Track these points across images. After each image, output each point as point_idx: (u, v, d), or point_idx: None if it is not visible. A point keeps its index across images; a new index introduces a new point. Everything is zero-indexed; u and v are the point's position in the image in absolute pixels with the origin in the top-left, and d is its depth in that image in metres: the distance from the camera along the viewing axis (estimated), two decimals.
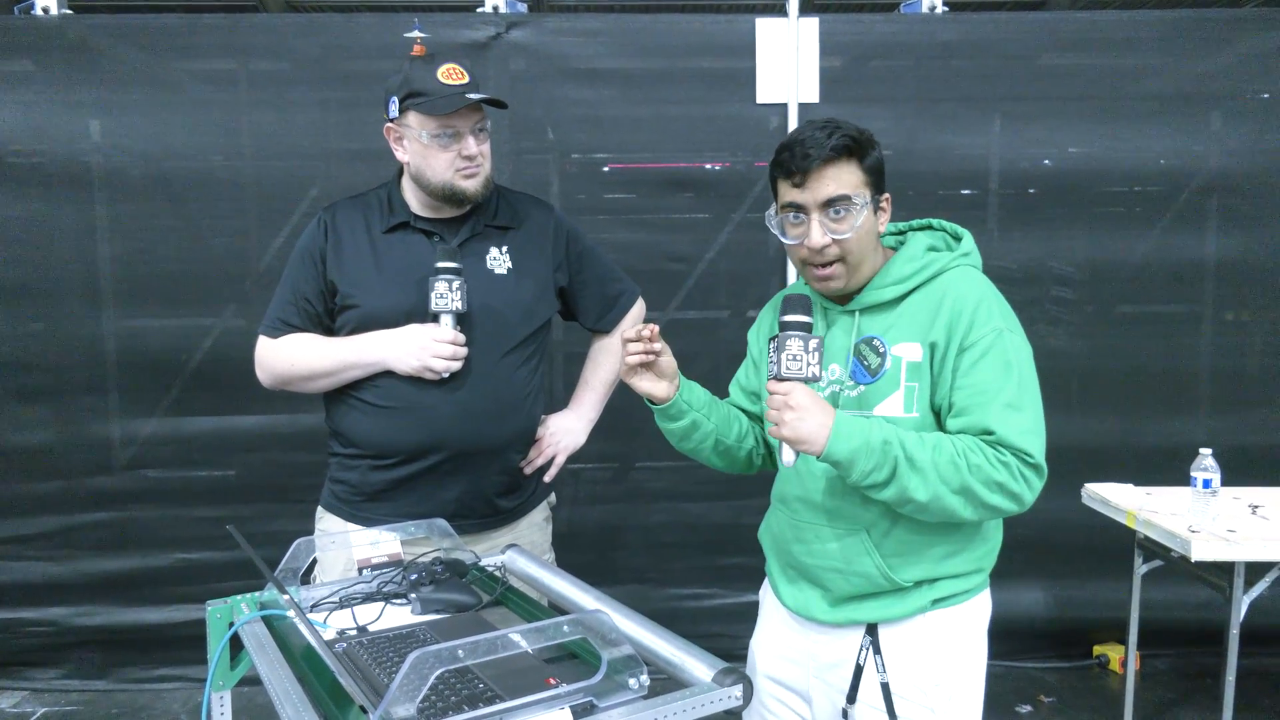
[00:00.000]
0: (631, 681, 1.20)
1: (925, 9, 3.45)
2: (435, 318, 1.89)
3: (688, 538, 3.53)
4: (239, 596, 1.62)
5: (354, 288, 1.96)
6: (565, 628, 1.19)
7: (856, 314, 1.62)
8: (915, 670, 1.60)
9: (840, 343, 1.62)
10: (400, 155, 1.97)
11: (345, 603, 1.59)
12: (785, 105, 3.37)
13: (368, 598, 1.62)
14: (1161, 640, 3.49)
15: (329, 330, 2.02)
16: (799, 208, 1.56)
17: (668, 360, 1.64)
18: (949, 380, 1.53)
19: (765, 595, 1.83)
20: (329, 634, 1.47)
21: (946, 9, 3.47)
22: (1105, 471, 3.15)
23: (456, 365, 1.90)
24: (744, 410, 1.84)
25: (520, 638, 1.16)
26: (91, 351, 3.38)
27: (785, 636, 1.74)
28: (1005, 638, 3.47)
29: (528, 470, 2.10)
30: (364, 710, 1.19)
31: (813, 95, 3.37)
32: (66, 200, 3.32)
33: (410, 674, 1.06)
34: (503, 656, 1.14)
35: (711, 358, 3.48)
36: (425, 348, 1.88)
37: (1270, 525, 2.65)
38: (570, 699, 1.18)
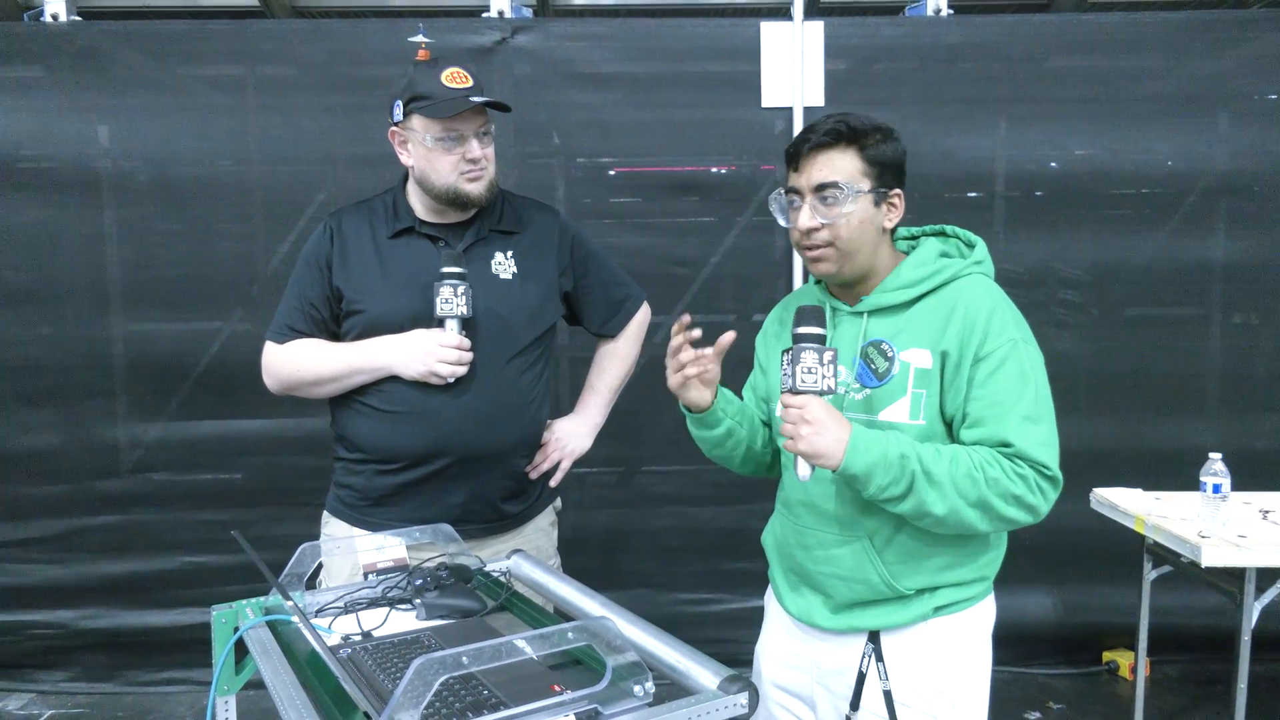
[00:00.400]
0: (636, 689, 1.20)
1: (930, 12, 3.45)
2: (440, 323, 1.89)
3: (693, 542, 3.52)
4: (244, 601, 1.62)
5: (359, 293, 1.96)
6: (570, 634, 1.18)
7: (865, 316, 1.62)
8: (918, 678, 1.59)
9: (847, 345, 1.62)
10: (405, 159, 1.97)
11: (350, 608, 1.59)
12: (790, 109, 3.37)
13: (372, 603, 1.61)
14: (1172, 646, 3.47)
15: (335, 336, 2.02)
16: (795, 191, 1.60)
17: (715, 370, 1.64)
18: (963, 390, 1.52)
19: (770, 601, 1.83)
20: (333, 639, 1.47)
21: (951, 12, 3.46)
22: (1114, 476, 3.14)
23: (462, 370, 1.90)
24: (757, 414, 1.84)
25: (525, 644, 1.15)
26: (99, 355, 3.39)
27: (789, 643, 1.73)
28: (1014, 644, 3.46)
29: (533, 475, 2.09)
30: (368, 716, 1.18)
31: (818, 99, 3.36)
32: (74, 205, 3.33)
33: (414, 680, 1.06)
34: (507, 663, 1.13)
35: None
36: (430, 353, 1.88)
37: None
38: (575, 706, 1.18)
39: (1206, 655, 3.52)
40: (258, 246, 3.40)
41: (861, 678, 1.62)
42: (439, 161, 1.91)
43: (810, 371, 1.46)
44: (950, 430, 1.56)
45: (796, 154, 1.60)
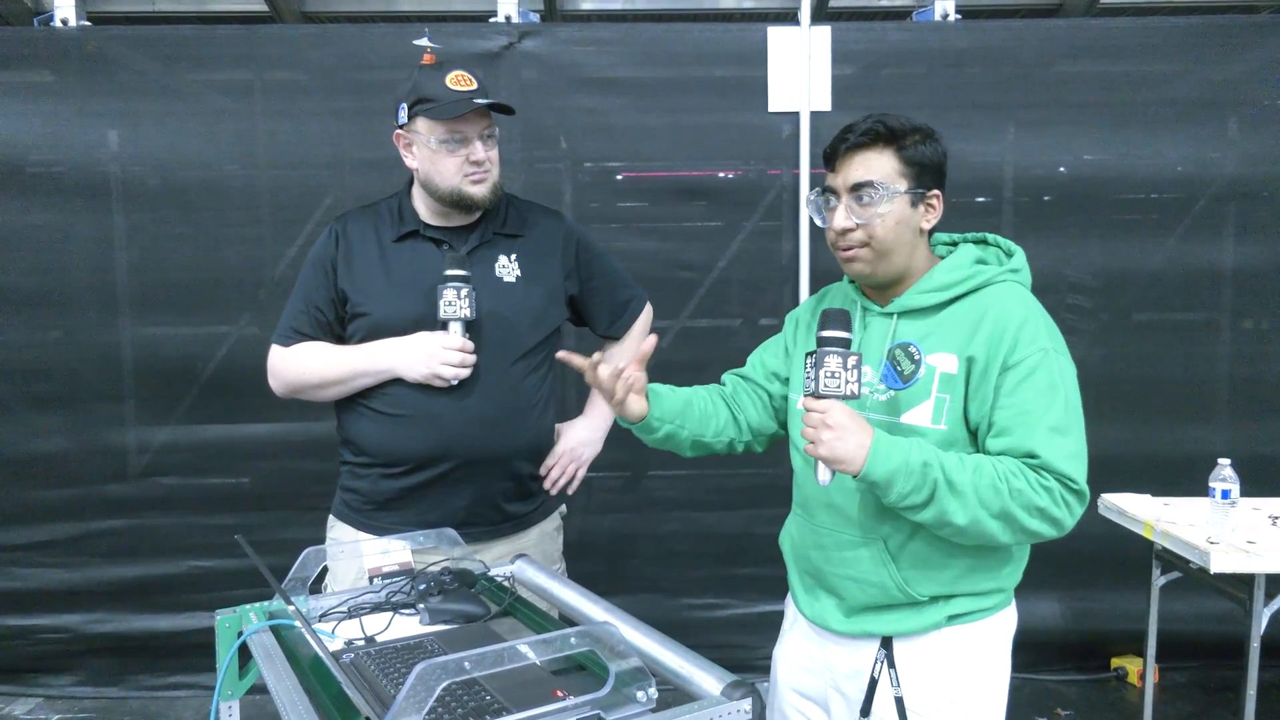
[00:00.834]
0: (639, 694, 1.20)
1: (938, 17, 3.44)
2: (444, 325, 1.90)
3: (700, 547, 3.51)
4: (248, 606, 1.62)
5: (364, 296, 1.97)
6: (573, 639, 1.18)
7: (894, 317, 1.60)
8: (930, 686, 1.58)
9: (875, 345, 1.61)
10: (409, 161, 1.98)
11: (354, 612, 1.59)
12: (797, 114, 3.36)
13: (376, 608, 1.61)
14: (1180, 653, 3.44)
15: (340, 339, 2.03)
16: (832, 191, 1.60)
17: (641, 377, 1.66)
18: (989, 399, 1.50)
19: (789, 604, 1.82)
20: (336, 644, 1.47)
21: (959, 17, 3.45)
22: (1122, 481, 3.12)
23: (465, 373, 1.90)
24: (759, 385, 1.83)
25: (528, 649, 1.15)
26: (107, 359, 3.40)
27: (804, 646, 1.73)
28: (1021, 649, 3.44)
29: (554, 491, 2.12)
30: None
31: (825, 104, 3.36)
32: (84, 209, 3.34)
33: (417, 685, 1.05)
34: (510, 668, 1.13)
35: (723, 366, 3.42)
36: (433, 355, 1.89)
37: None
38: (578, 711, 1.17)
39: (1215, 662, 3.49)
40: (266, 250, 3.41)
41: (873, 683, 1.60)
42: (443, 163, 1.91)
43: (834, 376, 1.45)
44: (974, 438, 1.54)
45: (834, 154, 1.60)
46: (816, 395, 1.47)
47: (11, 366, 3.38)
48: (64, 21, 3.37)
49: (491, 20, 3.41)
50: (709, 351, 3.45)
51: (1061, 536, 1.49)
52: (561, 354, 1.71)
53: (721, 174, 3.49)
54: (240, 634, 1.54)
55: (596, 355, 1.64)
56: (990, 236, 1.70)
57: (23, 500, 3.42)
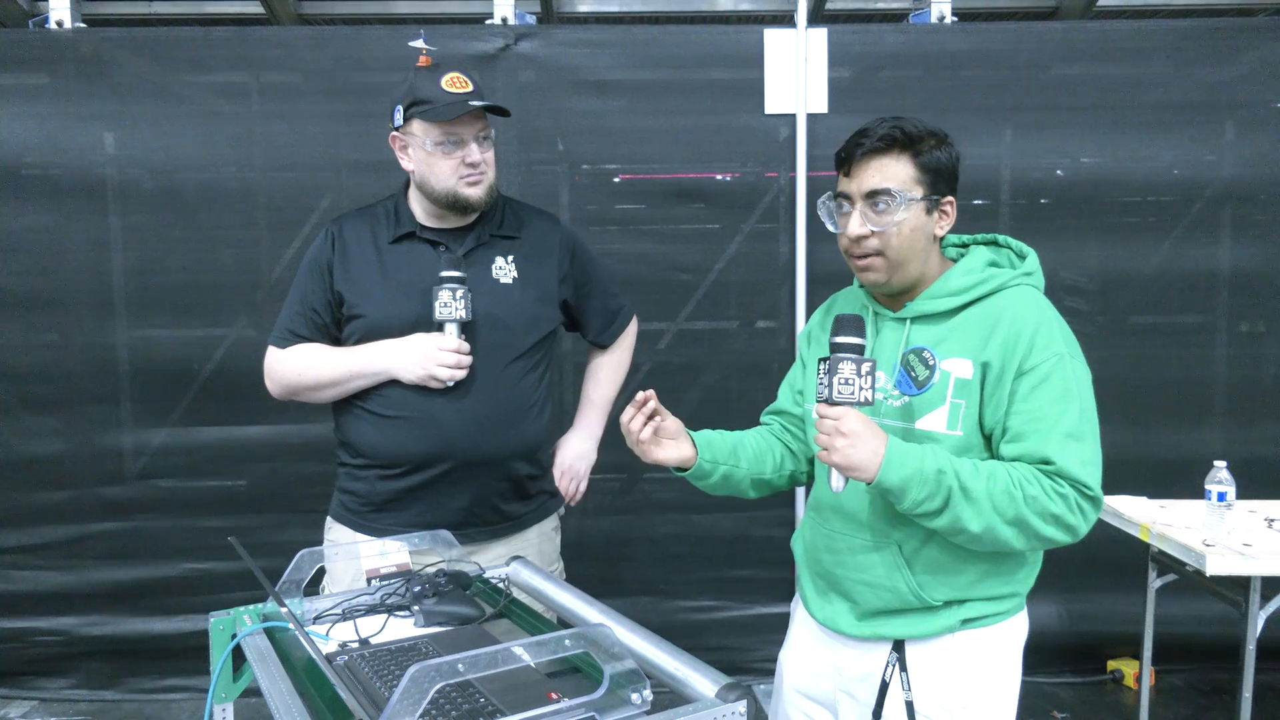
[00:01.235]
0: (634, 696, 1.19)
1: (934, 19, 3.44)
2: (440, 327, 1.90)
3: (696, 549, 3.51)
4: (242, 608, 1.62)
5: (360, 298, 1.97)
6: (567, 641, 1.17)
7: (908, 322, 1.59)
8: (941, 690, 1.57)
9: (888, 351, 1.59)
10: (405, 164, 1.98)
11: (348, 614, 1.59)
12: (794, 116, 3.37)
13: (371, 610, 1.61)
14: (1177, 655, 3.45)
15: (337, 340, 2.03)
16: (845, 197, 1.57)
17: (672, 421, 1.62)
18: (1004, 404, 1.49)
19: (796, 607, 1.81)
20: (330, 646, 1.46)
21: (955, 19, 3.46)
22: (1118, 484, 3.09)
23: (461, 374, 1.90)
24: (793, 415, 1.82)
25: (522, 651, 1.14)
26: (103, 362, 3.40)
27: (813, 649, 1.72)
28: None
29: (572, 504, 2.18)
30: None
31: (821, 106, 3.36)
32: (79, 211, 3.34)
33: (410, 688, 1.05)
34: (504, 670, 1.13)
35: (720, 368, 3.48)
36: (429, 356, 1.89)
37: None
38: (572, 714, 1.17)
39: (1211, 664, 3.50)
40: (262, 253, 3.41)
41: (884, 686, 1.59)
42: (438, 165, 1.92)
43: (847, 383, 1.44)
44: (989, 443, 1.53)
45: (848, 158, 1.56)
46: (830, 402, 1.45)
47: (7, 369, 3.37)
48: (59, 23, 3.37)
49: (488, 22, 3.42)
50: (706, 354, 3.46)
51: (1073, 544, 1.49)
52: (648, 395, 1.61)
53: (718, 176, 3.49)
54: (234, 636, 1.54)
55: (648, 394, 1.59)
56: (1001, 238, 1.68)
57: (18, 502, 3.41)
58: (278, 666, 1.40)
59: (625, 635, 1.38)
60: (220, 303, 3.39)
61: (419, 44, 2.03)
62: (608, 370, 2.27)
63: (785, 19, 3.41)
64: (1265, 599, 2.51)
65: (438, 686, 1.07)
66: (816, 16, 3.75)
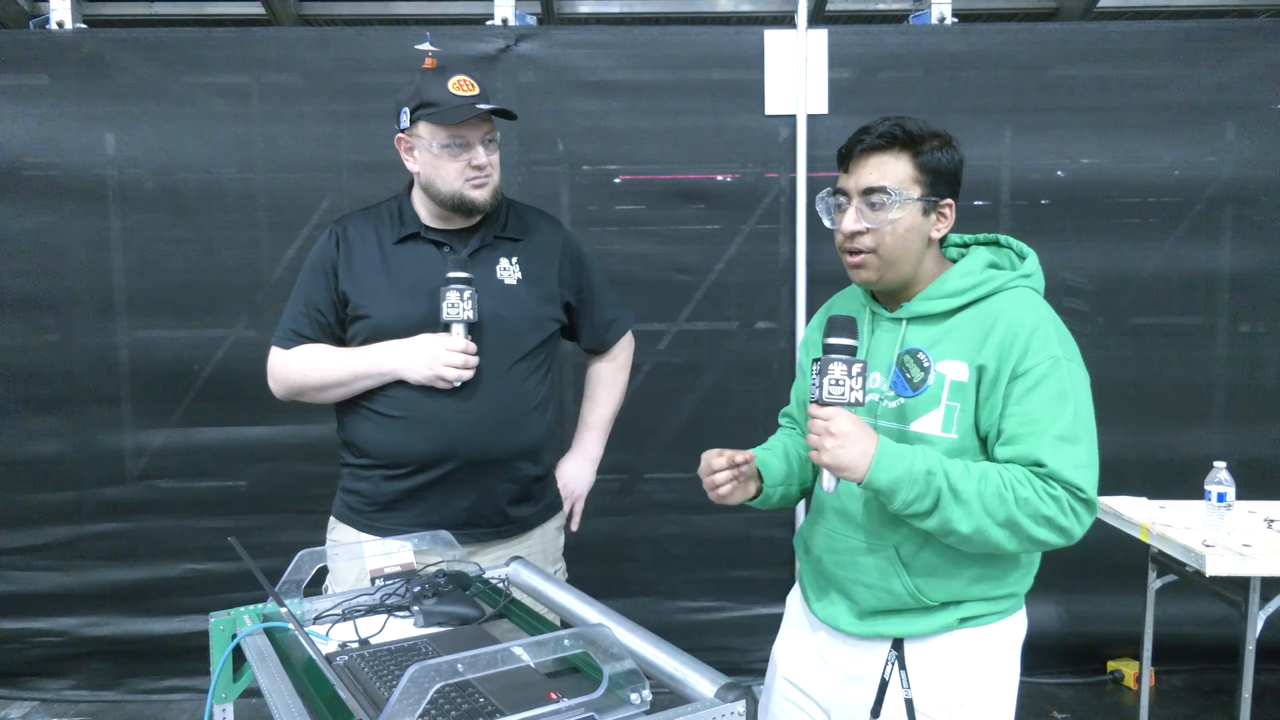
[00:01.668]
0: (633, 696, 1.19)
1: (934, 20, 3.45)
2: (446, 327, 1.90)
3: (697, 550, 3.51)
4: (242, 609, 1.62)
5: (365, 298, 1.97)
6: (566, 641, 1.18)
7: (904, 323, 1.59)
8: (940, 688, 1.58)
9: (884, 351, 1.60)
10: (411, 165, 1.99)
11: (348, 615, 1.59)
12: (794, 117, 3.37)
13: (370, 610, 1.61)
14: (1176, 656, 3.45)
15: (341, 341, 2.03)
16: (843, 193, 1.57)
17: (750, 467, 1.63)
18: (999, 407, 1.49)
19: (792, 601, 1.82)
20: (330, 646, 1.46)
21: (956, 20, 3.46)
22: (1118, 485, 3.11)
23: (468, 374, 1.91)
24: (796, 420, 1.86)
25: (521, 651, 1.14)
26: (104, 362, 3.40)
27: (811, 645, 1.72)
28: None
29: (573, 527, 2.19)
30: None
31: (821, 107, 3.37)
32: (80, 212, 3.34)
33: (409, 688, 1.05)
34: (504, 670, 1.13)
35: (720, 369, 3.48)
36: (437, 357, 1.89)
37: None
38: (571, 714, 1.17)
39: (1211, 665, 3.50)
40: (263, 253, 3.41)
41: (884, 685, 1.60)
42: (445, 168, 1.92)
43: (838, 383, 1.44)
44: (985, 446, 1.53)
45: (848, 155, 1.57)
46: (821, 402, 1.46)
47: (8, 369, 3.38)
48: (60, 24, 3.37)
49: (488, 23, 3.42)
50: (706, 354, 3.46)
51: (1071, 545, 1.49)
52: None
53: (718, 177, 3.50)
54: (234, 637, 1.54)
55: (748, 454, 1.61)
56: (1003, 238, 1.67)
57: (19, 503, 3.41)
58: (278, 667, 1.40)
59: (624, 635, 1.38)
60: (220, 303, 3.39)
61: (426, 46, 2.03)
62: (605, 390, 2.27)
63: (785, 20, 3.41)
64: (1265, 599, 2.52)
65: (437, 686, 1.07)
66: (817, 17, 3.75)
